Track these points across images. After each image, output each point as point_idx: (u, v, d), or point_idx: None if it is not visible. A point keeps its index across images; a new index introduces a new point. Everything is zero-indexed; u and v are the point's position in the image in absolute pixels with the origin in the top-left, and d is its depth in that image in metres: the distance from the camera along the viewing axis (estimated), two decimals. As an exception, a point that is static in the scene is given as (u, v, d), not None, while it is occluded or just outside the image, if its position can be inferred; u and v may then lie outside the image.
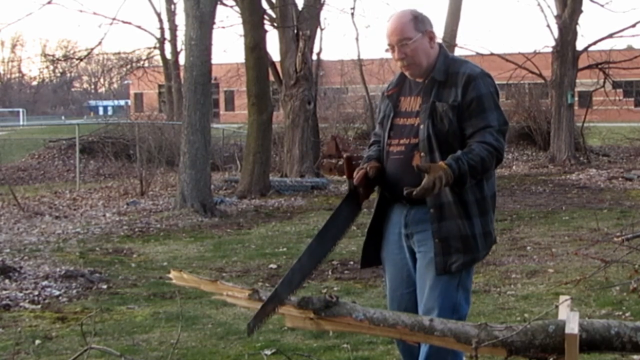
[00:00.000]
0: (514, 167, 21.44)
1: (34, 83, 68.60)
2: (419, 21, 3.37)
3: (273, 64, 17.82)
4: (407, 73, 3.44)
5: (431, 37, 3.40)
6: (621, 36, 22.30)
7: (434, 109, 3.30)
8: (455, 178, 3.12)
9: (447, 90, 3.31)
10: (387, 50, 3.44)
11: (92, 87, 76.82)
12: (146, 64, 35.41)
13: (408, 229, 3.40)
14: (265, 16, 17.38)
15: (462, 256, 3.28)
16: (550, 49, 21.51)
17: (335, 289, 7.10)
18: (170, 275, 3.18)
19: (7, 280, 7.22)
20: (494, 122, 3.26)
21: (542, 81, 22.93)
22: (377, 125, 3.60)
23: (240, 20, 16.86)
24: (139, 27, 34.23)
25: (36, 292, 6.91)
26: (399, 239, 3.46)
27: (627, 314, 5.85)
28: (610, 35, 21.92)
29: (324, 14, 26.06)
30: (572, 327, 2.71)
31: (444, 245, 3.28)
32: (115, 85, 67.04)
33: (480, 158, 3.18)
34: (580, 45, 21.49)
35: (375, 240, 3.57)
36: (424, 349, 3.31)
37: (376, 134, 3.59)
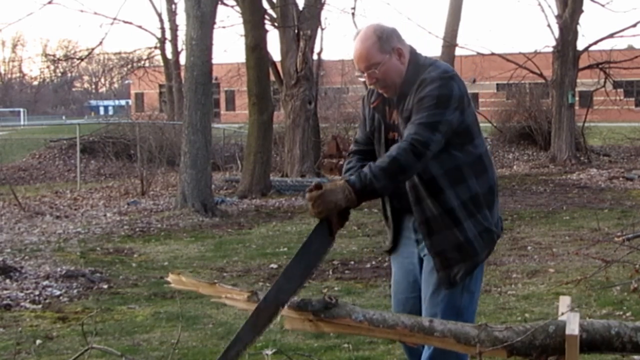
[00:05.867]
0: (514, 167, 21.46)
1: (35, 83, 68.63)
2: (383, 41, 3.18)
3: (274, 63, 17.82)
4: (384, 94, 3.31)
5: (400, 53, 3.21)
6: (622, 36, 22.34)
7: (404, 124, 3.21)
8: (358, 190, 2.95)
9: (407, 101, 3.19)
10: (358, 76, 3.30)
11: (93, 87, 76.87)
12: (147, 64, 35.44)
13: (417, 234, 3.35)
14: (266, 16, 17.38)
15: (463, 265, 3.21)
16: (550, 49, 21.52)
17: (335, 288, 7.11)
18: (169, 279, 3.17)
19: (8, 280, 7.23)
20: (422, 118, 3.07)
21: (543, 81, 22.93)
22: (360, 132, 3.46)
23: (240, 20, 16.87)
24: (140, 27, 34.39)
25: (37, 292, 6.92)
26: (410, 242, 3.41)
27: (627, 314, 5.85)
28: (611, 35, 21.91)
29: (324, 14, 26.01)
30: (573, 327, 2.71)
31: (442, 259, 3.21)
32: (116, 85, 67.09)
33: (392, 158, 2.99)
34: (580, 45, 21.51)
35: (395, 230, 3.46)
36: (426, 352, 3.29)
37: (358, 142, 3.46)
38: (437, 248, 3.22)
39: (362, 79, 3.28)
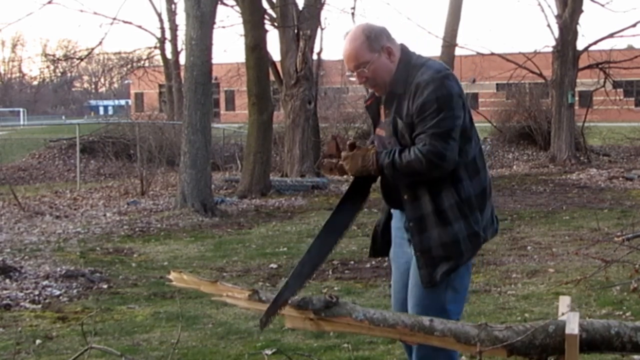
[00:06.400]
0: (514, 167, 21.46)
1: (35, 83, 68.54)
2: (372, 40, 3.22)
3: (273, 63, 17.82)
4: (375, 93, 3.37)
5: (389, 52, 3.24)
6: (622, 36, 22.31)
7: (395, 125, 3.25)
8: (380, 165, 3.23)
9: (403, 104, 3.22)
10: (348, 76, 3.38)
11: (93, 86, 76.87)
12: (147, 64, 35.43)
13: (409, 233, 3.38)
14: (266, 16, 17.39)
15: (446, 264, 3.23)
16: (550, 49, 21.51)
17: (335, 288, 7.10)
18: (170, 277, 3.18)
19: (7, 280, 7.22)
20: (432, 127, 3.12)
21: (543, 81, 22.93)
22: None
23: (240, 20, 16.86)
24: (140, 27, 34.26)
25: (37, 292, 6.92)
26: (404, 243, 3.44)
27: (627, 314, 5.85)
28: (611, 35, 21.90)
29: (324, 14, 26.05)
30: (572, 327, 2.71)
31: (426, 257, 3.24)
32: (115, 85, 67.10)
33: (409, 160, 3.15)
34: (580, 45, 21.50)
35: (385, 233, 3.56)
36: (417, 353, 3.29)
37: None
38: (425, 246, 3.25)
39: (353, 78, 3.34)
